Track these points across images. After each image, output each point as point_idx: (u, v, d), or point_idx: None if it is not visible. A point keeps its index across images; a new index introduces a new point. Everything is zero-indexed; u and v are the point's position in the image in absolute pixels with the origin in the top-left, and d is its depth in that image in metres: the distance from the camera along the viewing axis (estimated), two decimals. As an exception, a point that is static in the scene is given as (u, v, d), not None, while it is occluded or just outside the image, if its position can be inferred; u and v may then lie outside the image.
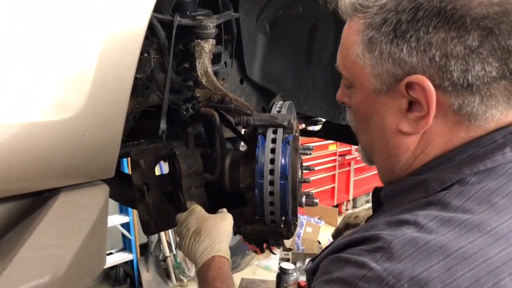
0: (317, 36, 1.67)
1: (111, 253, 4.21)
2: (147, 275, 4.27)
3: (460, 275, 0.54)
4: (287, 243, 1.38)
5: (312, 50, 1.70)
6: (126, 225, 4.17)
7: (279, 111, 1.21)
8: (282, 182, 1.11)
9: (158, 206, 1.25)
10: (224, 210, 1.15)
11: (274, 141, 1.14)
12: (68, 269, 0.58)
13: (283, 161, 1.11)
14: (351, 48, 0.71)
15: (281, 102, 1.25)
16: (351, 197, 7.03)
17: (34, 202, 0.64)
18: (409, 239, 0.58)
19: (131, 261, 4.22)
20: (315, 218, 5.33)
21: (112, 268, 4.26)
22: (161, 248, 4.43)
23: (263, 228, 1.15)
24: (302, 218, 5.19)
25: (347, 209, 6.99)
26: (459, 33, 0.60)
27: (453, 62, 0.61)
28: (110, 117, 0.67)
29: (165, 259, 4.43)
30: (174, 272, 4.42)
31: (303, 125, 2.29)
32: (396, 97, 0.68)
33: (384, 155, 0.75)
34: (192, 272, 4.52)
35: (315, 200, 1.25)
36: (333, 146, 6.40)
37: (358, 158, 7.04)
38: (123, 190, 1.36)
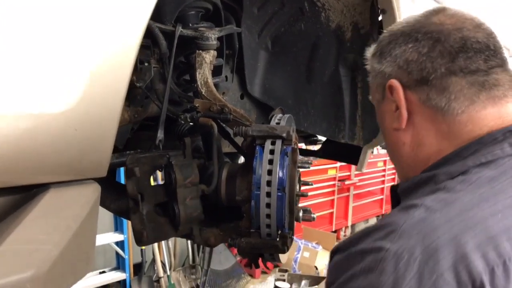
0: (318, 53, 1.68)
1: (104, 272, 4.13)
2: (140, 296, 4.19)
3: (466, 241, 0.62)
4: (284, 262, 1.35)
5: (313, 68, 1.71)
6: (120, 244, 4.11)
7: (278, 123, 1.20)
8: (279, 194, 1.09)
9: (152, 217, 1.22)
10: None
11: (272, 152, 1.12)
12: (53, 266, 0.55)
13: (280, 172, 1.09)
14: (369, 75, 0.95)
15: (280, 115, 1.24)
16: (349, 223, 6.96)
17: (22, 197, 0.62)
18: (418, 219, 0.67)
19: (124, 280, 4.14)
20: (313, 243, 5.26)
21: (104, 287, 4.18)
22: (155, 268, 4.35)
23: (258, 242, 1.12)
24: (299, 242, 5.12)
25: (345, 235, 6.91)
26: (414, 44, 0.82)
27: (412, 64, 0.81)
28: (104, 113, 0.66)
29: (158, 280, 4.34)
30: (167, 294, 4.33)
31: (303, 144, 2.27)
32: (388, 102, 0.86)
33: (391, 153, 0.92)
34: (186, 294, 4.44)
35: (312, 215, 1.22)
36: (332, 171, 6.38)
37: (358, 184, 7.01)
38: (117, 200, 1.33)
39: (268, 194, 1.09)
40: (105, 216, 3.90)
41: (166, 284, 4.37)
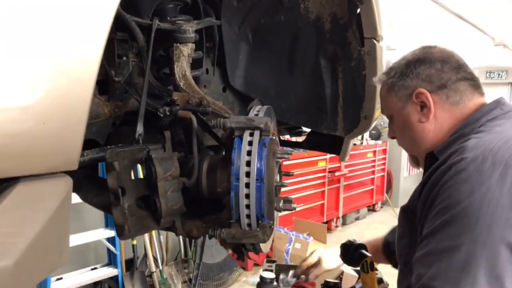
0: (299, 45, 1.68)
1: (95, 268, 4.13)
2: (132, 291, 4.19)
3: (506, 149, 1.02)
4: (266, 251, 1.37)
5: (294, 59, 1.71)
6: (111, 240, 4.11)
7: (256, 115, 1.20)
8: (258, 184, 1.10)
9: (134, 210, 1.22)
10: None
11: (250, 143, 1.13)
12: (21, 259, 0.55)
13: (259, 163, 1.10)
14: (386, 96, 1.31)
15: (259, 106, 1.25)
16: (340, 214, 7.01)
17: (-9, 192, 0.62)
18: (474, 143, 1.06)
19: (116, 276, 4.14)
20: (304, 234, 5.29)
21: (96, 283, 4.18)
22: (147, 263, 4.36)
23: (239, 232, 1.14)
24: (291, 234, 5.15)
25: (336, 226, 6.97)
26: (429, 65, 1.23)
27: (432, 77, 1.22)
28: (72, 106, 0.66)
29: (151, 274, 4.35)
30: (160, 288, 4.34)
31: (287, 136, 2.28)
32: (412, 105, 1.24)
33: (417, 141, 1.25)
34: (178, 287, 4.46)
35: (293, 205, 1.23)
36: (322, 163, 6.41)
37: (348, 175, 7.05)
38: (99, 195, 1.33)
39: (247, 185, 1.11)
40: (96, 212, 3.90)
41: (159, 279, 4.38)
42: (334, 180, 6.71)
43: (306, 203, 6.15)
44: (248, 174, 1.10)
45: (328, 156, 6.41)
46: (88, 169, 1.38)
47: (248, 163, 1.11)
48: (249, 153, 1.11)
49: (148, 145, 1.23)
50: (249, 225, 1.14)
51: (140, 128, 1.24)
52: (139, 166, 1.74)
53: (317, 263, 1.79)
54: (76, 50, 0.67)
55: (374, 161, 7.77)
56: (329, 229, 6.62)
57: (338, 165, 6.74)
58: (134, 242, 4.30)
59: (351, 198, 7.24)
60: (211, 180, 1.27)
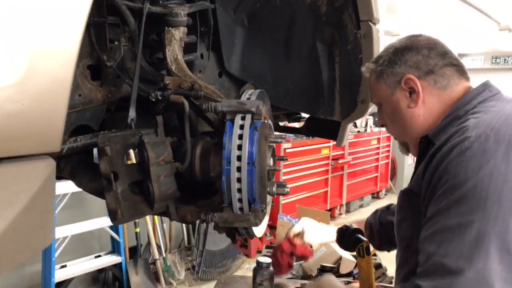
0: (295, 29, 1.66)
1: (99, 256, 4.17)
2: (136, 278, 4.23)
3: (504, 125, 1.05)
4: (260, 235, 1.37)
5: (291, 44, 1.69)
6: (115, 228, 4.13)
7: (248, 99, 1.19)
8: (249, 168, 1.09)
9: (127, 195, 1.22)
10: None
11: (242, 127, 1.12)
12: (0, 240, 0.55)
13: (250, 147, 1.10)
14: (374, 84, 1.33)
15: (252, 90, 1.24)
16: (344, 202, 7.01)
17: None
18: (475, 122, 1.08)
19: (120, 264, 4.18)
20: (307, 221, 5.30)
21: (100, 271, 4.22)
22: (151, 251, 4.40)
23: (230, 216, 1.13)
24: (293, 221, 5.15)
25: (340, 214, 6.97)
26: (416, 51, 1.26)
27: (420, 63, 1.24)
28: (53, 87, 0.65)
29: (154, 262, 4.39)
30: (163, 276, 4.38)
31: (286, 122, 2.27)
32: (401, 91, 1.26)
33: (407, 127, 1.27)
34: (182, 275, 4.49)
35: (286, 189, 1.23)
36: (325, 150, 6.39)
37: (352, 162, 7.03)
38: (93, 181, 1.34)
39: (239, 169, 1.10)
40: (99, 200, 3.93)
41: (162, 266, 4.42)
42: (338, 168, 6.69)
43: (310, 191, 6.15)
44: (239, 158, 1.10)
45: (331, 143, 6.40)
46: (82, 155, 1.38)
47: (240, 147, 1.10)
48: (240, 136, 1.11)
49: (140, 130, 1.23)
50: (241, 209, 1.13)
51: (132, 113, 1.23)
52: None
53: (300, 234, 1.79)
54: (55, 29, 0.66)
55: (378, 148, 7.74)
56: (333, 217, 6.63)
57: (342, 152, 6.72)
58: (138, 229, 4.33)
59: (355, 185, 7.23)
60: (204, 164, 1.26)
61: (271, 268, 1.59)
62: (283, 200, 5.61)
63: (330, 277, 1.30)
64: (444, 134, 1.15)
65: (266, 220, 1.36)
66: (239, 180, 1.10)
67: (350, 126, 1.77)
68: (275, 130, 2.23)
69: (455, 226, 0.98)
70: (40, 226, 0.68)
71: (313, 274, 1.59)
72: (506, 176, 0.97)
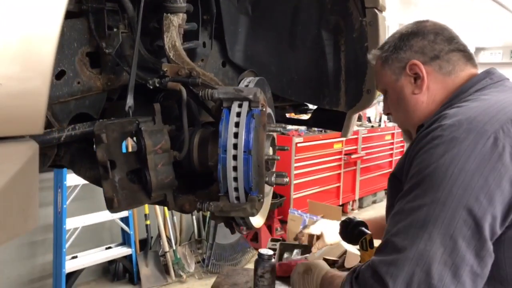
0: (300, 17, 1.63)
1: (110, 247, 4.20)
2: (146, 270, 4.25)
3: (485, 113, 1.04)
4: (258, 226, 1.35)
5: (295, 32, 1.66)
6: (125, 220, 4.16)
7: (247, 86, 1.17)
8: (245, 156, 1.07)
9: (125, 184, 1.21)
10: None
11: (239, 115, 1.10)
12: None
13: (246, 135, 1.07)
14: (380, 70, 1.31)
15: (251, 78, 1.22)
16: (357, 197, 6.94)
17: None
18: (455, 111, 1.08)
19: (130, 255, 4.20)
20: (318, 216, 5.26)
21: (111, 262, 4.25)
22: (161, 243, 4.41)
23: (227, 205, 1.11)
24: (304, 216, 5.12)
25: (352, 209, 6.91)
26: (422, 37, 1.23)
27: (425, 48, 1.22)
28: (33, 66, 0.64)
29: (164, 254, 4.40)
30: (173, 268, 4.39)
31: (292, 114, 2.24)
32: (406, 77, 1.24)
33: (410, 113, 1.25)
34: (192, 268, 4.50)
35: (285, 179, 1.20)
36: (338, 145, 6.32)
37: (365, 158, 6.95)
38: (92, 169, 1.33)
39: (235, 157, 1.08)
40: (110, 193, 3.96)
41: (172, 259, 4.43)
42: (351, 163, 6.62)
43: (322, 186, 6.10)
44: (236, 146, 1.08)
45: (344, 138, 6.33)
46: (82, 143, 1.37)
47: (236, 135, 1.08)
48: (237, 124, 1.08)
49: (138, 117, 1.22)
50: (237, 198, 1.11)
51: (130, 101, 1.22)
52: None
53: (320, 236, 1.78)
54: (34, 5, 0.64)
55: (392, 143, 7.63)
56: (345, 212, 6.57)
57: (355, 147, 6.65)
58: (148, 222, 4.35)
59: (368, 181, 7.14)
60: (202, 153, 1.24)
61: (273, 260, 1.56)
62: (295, 195, 5.58)
63: (319, 261, 1.36)
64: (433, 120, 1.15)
65: (266, 211, 1.34)
66: (235, 168, 1.08)
67: (356, 117, 1.73)
68: (282, 122, 2.21)
69: (409, 208, 1.01)
70: (20, 209, 0.67)
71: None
72: (465, 164, 0.97)
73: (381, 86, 1.33)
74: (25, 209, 0.68)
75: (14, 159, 0.65)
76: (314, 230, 1.83)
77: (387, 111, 1.37)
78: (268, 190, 1.27)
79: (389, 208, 1.26)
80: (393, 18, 6.60)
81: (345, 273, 1.18)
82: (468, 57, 1.23)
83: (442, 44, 1.21)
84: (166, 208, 4.57)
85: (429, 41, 1.21)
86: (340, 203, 6.44)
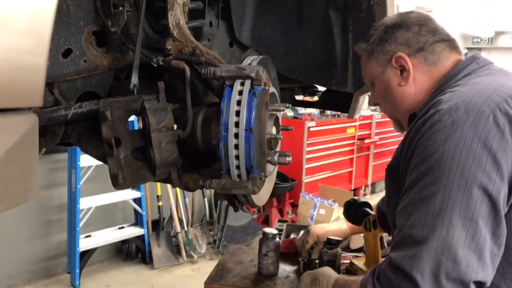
0: (308, -3, 1.61)
1: (123, 227, 4.27)
2: (158, 250, 4.32)
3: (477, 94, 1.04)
4: (261, 204, 1.36)
5: (303, 12, 1.65)
6: (138, 200, 4.22)
7: (250, 64, 1.17)
8: (247, 134, 1.08)
9: (130, 161, 1.23)
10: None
11: (241, 93, 1.10)
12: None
13: (248, 113, 1.08)
14: (366, 63, 1.31)
15: (254, 56, 1.21)
16: (369, 182, 6.92)
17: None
18: (449, 96, 1.07)
19: (143, 235, 4.28)
20: (330, 200, 5.26)
21: (124, 242, 4.33)
22: (173, 224, 4.48)
23: (228, 183, 1.12)
24: (315, 200, 5.13)
25: (365, 194, 6.89)
26: (407, 29, 1.23)
27: (410, 41, 1.22)
28: (31, 40, 0.65)
29: (176, 235, 4.47)
30: (185, 249, 4.45)
31: (302, 96, 2.23)
32: (392, 69, 1.24)
33: (398, 104, 1.26)
34: (203, 249, 4.56)
35: (288, 158, 1.21)
36: (351, 130, 6.29)
37: (378, 143, 6.90)
38: (98, 147, 1.35)
39: (236, 135, 1.09)
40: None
41: (184, 240, 4.49)
42: (364, 148, 6.59)
43: (334, 170, 6.09)
44: (237, 124, 1.08)
45: (358, 123, 6.29)
46: (89, 121, 1.39)
47: (238, 113, 1.08)
48: (239, 102, 1.09)
49: (142, 95, 1.23)
50: (239, 176, 1.12)
51: (135, 79, 1.23)
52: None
53: (339, 221, 1.78)
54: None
55: (406, 129, 7.56)
56: (357, 196, 6.55)
57: (368, 132, 6.61)
58: (160, 203, 4.41)
59: (381, 166, 7.09)
60: (205, 132, 1.25)
61: (277, 239, 1.58)
62: (306, 179, 5.58)
63: (326, 268, 1.31)
64: (426, 107, 1.13)
65: (269, 189, 1.35)
66: (236, 146, 1.09)
67: (363, 98, 1.72)
68: (291, 104, 2.20)
69: (422, 198, 0.99)
70: (20, 180, 0.69)
71: (321, 247, 1.58)
72: (471, 145, 0.96)
73: (368, 78, 1.33)
74: (24, 180, 0.70)
75: (12, 131, 0.67)
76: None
77: (374, 102, 1.37)
78: (272, 169, 1.28)
79: (388, 199, 1.28)
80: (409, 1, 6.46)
81: (358, 278, 1.12)
82: (452, 46, 1.24)
83: (426, 36, 1.21)
84: (178, 189, 4.62)
85: (414, 33, 1.22)
86: (352, 188, 6.43)
